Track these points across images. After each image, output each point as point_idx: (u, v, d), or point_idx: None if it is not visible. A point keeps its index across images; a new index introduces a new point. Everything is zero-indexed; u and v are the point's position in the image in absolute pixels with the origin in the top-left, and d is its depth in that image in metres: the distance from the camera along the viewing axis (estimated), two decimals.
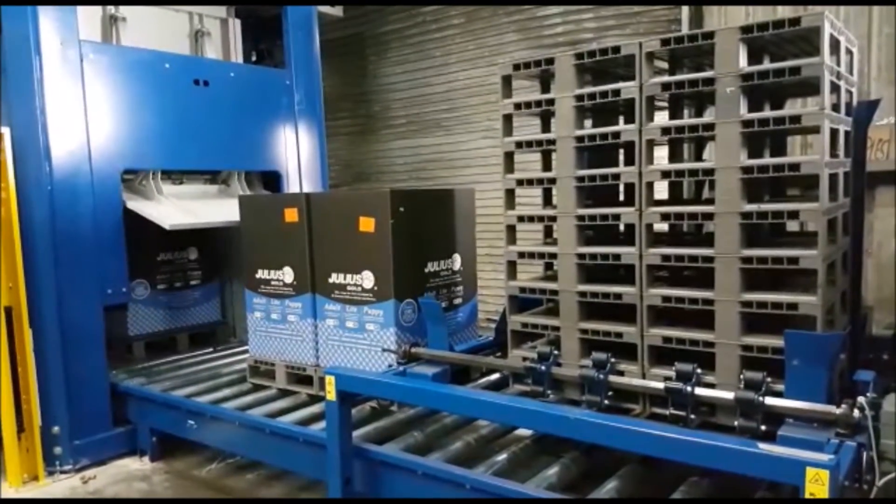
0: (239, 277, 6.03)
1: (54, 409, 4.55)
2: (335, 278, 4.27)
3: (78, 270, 4.60)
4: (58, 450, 4.57)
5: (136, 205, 4.98)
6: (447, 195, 4.59)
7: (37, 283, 4.48)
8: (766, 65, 2.94)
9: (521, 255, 3.57)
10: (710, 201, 3.01)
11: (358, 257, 4.15)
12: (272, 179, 5.97)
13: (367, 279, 4.13)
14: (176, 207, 5.15)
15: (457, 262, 4.50)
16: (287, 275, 4.47)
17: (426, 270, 4.28)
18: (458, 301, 4.51)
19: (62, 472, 4.57)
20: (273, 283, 4.56)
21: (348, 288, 4.22)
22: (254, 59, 6.46)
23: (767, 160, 3.10)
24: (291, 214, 4.40)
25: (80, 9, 4.72)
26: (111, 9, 5.15)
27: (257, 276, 4.63)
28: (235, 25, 5.96)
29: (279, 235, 4.47)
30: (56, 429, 4.56)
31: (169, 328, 5.92)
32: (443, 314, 3.85)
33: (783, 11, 4.85)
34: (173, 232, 5.00)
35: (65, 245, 4.55)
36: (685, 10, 5.36)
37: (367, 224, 4.07)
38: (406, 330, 4.12)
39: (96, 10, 5.12)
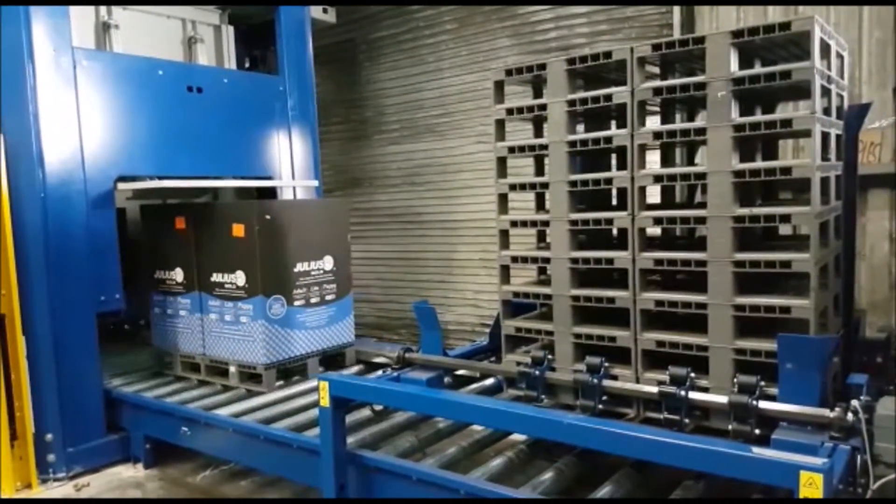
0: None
1: (47, 416, 4.53)
2: (216, 277, 4.85)
3: (71, 277, 4.58)
4: (51, 457, 4.54)
5: None
6: (317, 205, 5.45)
7: (30, 291, 4.47)
8: (758, 69, 2.96)
9: (515, 259, 3.58)
10: (703, 205, 3.03)
11: (232, 259, 4.73)
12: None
13: (240, 278, 4.70)
14: None
15: (328, 262, 5.06)
16: (178, 275, 5.08)
17: (295, 270, 4.84)
18: (330, 297, 5.10)
19: (55, 480, 4.55)
20: (168, 282, 5.16)
21: (226, 286, 4.79)
22: (247, 65, 6.45)
23: (759, 164, 3.12)
24: (180, 222, 5.03)
25: (73, 16, 4.71)
26: (104, 16, 5.14)
27: (156, 276, 5.24)
28: (228, 32, 5.95)
29: (172, 240, 5.08)
30: (49, 436, 4.53)
31: None
32: (437, 319, 3.85)
33: (774, 14, 4.87)
34: None
35: (58, 252, 4.53)
36: (677, 15, 5.37)
37: (238, 230, 4.67)
38: (275, 322, 4.70)
39: (89, 18, 5.11)
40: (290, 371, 5.00)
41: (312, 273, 4.94)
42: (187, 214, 5.01)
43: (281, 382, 4.91)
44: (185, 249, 4.99)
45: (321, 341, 5.06)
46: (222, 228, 4.74)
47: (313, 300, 4.95)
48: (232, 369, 4.83)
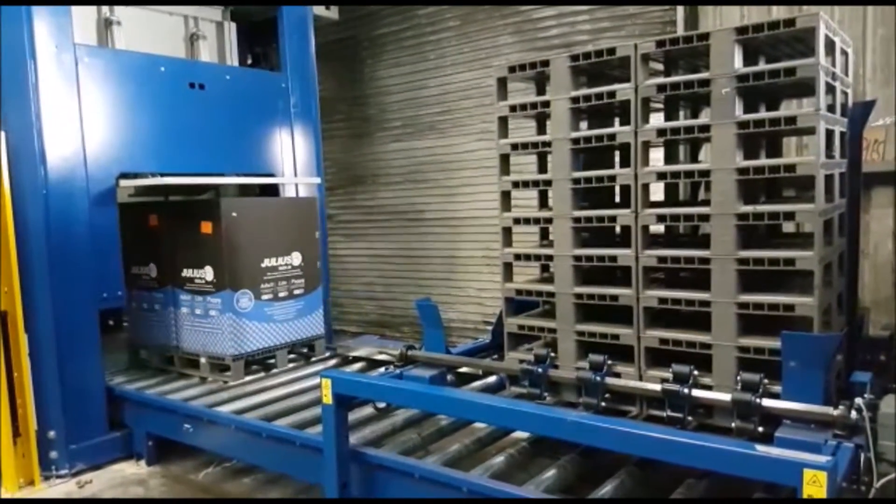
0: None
1: (50, 413, 4.53)
2: (187, 273, 5.01)
3: (73, 274, 4.58)
4: (54, 454, 4.54)
5: None
6: (284, 203, 5.64)
7: (32, 287, 4.46)
8: (762, 66, 2.95)
9: (518, 257, 3.57)
10: (706, 202, 3.02)
11: (201, 255, 4.90)
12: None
13: (209, 273, 4.87)
14: None
15: (296, 258, 5.22)
16: (153, 270, 5.24)
17: (263, 265, 4.99)
18: (298, 291, 5.26)
19: (58, 477, 4.54)
20: (143, 277, 5.31)
21: (196, 281, 4.96)
22: (249, 62, 6.44)
23: (763, 161, 3.11)
24: (153, 220, 5.21)
25: (75, 13, 4.70)
26: (106, 12, 5.14)
27: (132, 272, 5.32)
28: (231, 29, 5.95)
29: (146, 237, 5.22)
30: (52, 433, 4.53)
31: None
32: (439, 317, 3.85)
33: (778, 12, 4.85)
34: None
35: (60, 249, 4.52)
36: (680, 11, 5.35)
37: (206, 227, 4.85)
38: (242, 315, 4.85)
39: (91, 14, 5.11)
40: (259, 362, 5.15)
41: (280, 268, 5.10)
42: (160, 212, 5.20)
43: (289, 379, 4.98)
44: (158, 246, 5.16)
45: (290, 334, 5.21)
46: (192, 226, 4.89)
47: (281, 294, 5.11)
48: (202, 361, 4.98)
